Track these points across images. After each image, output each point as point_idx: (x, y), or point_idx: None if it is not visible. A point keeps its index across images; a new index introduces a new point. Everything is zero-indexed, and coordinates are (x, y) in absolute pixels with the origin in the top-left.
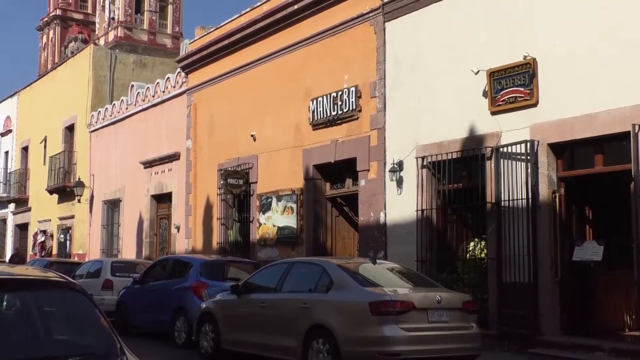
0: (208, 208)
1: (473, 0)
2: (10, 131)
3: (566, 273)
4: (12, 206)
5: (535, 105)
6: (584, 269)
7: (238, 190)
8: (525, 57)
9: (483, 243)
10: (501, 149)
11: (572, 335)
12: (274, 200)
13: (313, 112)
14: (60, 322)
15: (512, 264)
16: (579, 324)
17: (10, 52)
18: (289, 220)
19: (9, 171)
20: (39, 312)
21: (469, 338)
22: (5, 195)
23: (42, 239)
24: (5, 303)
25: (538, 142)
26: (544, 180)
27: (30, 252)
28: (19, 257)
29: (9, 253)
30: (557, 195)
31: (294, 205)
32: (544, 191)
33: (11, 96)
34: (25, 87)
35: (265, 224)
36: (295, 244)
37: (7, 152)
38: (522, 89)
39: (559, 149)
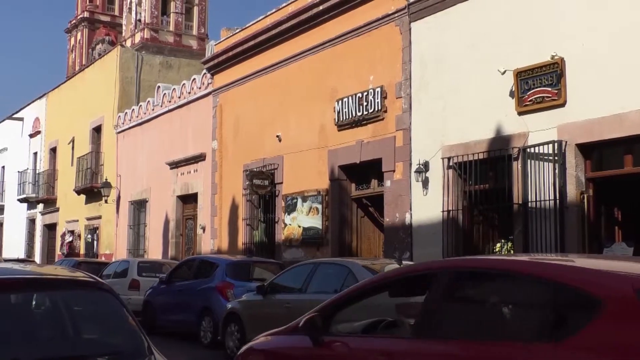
0: (233, 208)
1: None
2: (39, 132)
3: None
4: (40, 206)
5: (563, 105)
6: None
7: (263, 190)
8: (553, 57)
9: (509, 244)
10: (528, 150)
11: None
12: (299, 200)
13: (338, 112)
14: (88, 321)
15: None
16: None
17: (39, 55)
18: (314, 221)
19: (37, 172)
20: (68, 311)
21: None
22: (34, 195)
23: (70, 239)
24: (34, 302)
25: (566, 142)
26: (572, 181)
27: (58, 252)
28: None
29: (38, 253)
30: (585, 196)
31: (319, 206)
32: (571, 192)
33: (40, 98)
34: (53, 89)
35: (290, 224)
36: (320, 244)
37: (35, 153)
38: (549, 89)
39: (587, 150)
